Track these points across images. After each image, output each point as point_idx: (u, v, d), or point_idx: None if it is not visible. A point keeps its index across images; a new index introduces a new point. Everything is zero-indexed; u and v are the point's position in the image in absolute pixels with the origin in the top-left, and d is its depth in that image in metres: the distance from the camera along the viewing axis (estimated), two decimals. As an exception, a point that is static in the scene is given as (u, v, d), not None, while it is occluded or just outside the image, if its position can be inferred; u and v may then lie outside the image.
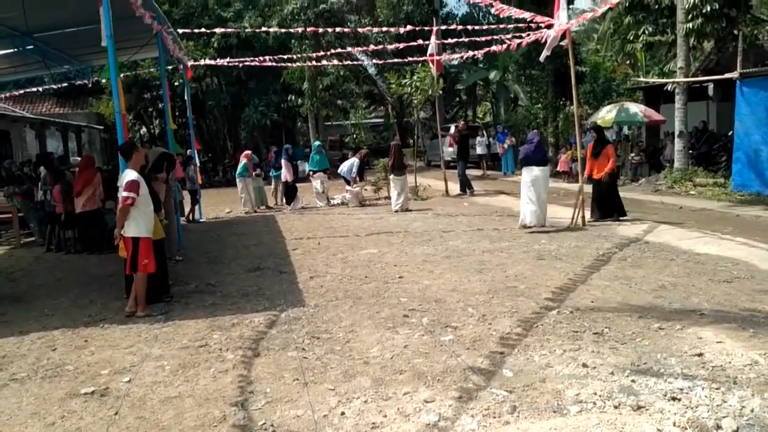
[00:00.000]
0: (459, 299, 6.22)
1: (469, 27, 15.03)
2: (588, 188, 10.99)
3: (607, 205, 10.90)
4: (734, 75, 13.74)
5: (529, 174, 10.44)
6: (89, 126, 27.18)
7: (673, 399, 3.72)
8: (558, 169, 20.90)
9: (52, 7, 8.84)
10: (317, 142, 17.72)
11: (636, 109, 19.16)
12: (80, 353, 5.12)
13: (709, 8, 14.20)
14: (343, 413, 3.75)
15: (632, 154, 19.26)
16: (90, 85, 20.61)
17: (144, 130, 30.88)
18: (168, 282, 7.01)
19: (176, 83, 23.17)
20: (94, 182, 10.06)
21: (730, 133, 15.89)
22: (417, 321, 5.56)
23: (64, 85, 19.88)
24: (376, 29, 19.54)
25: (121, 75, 14.92)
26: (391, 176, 14.33)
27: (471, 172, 18.46)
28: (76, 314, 6.39)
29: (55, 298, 7.18)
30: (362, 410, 3.79)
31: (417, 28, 15.17)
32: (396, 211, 13.79)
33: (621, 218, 10.81)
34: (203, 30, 15.43)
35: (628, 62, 29.40)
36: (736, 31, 15.11)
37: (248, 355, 4.87)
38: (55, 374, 4.67)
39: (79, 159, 14.54)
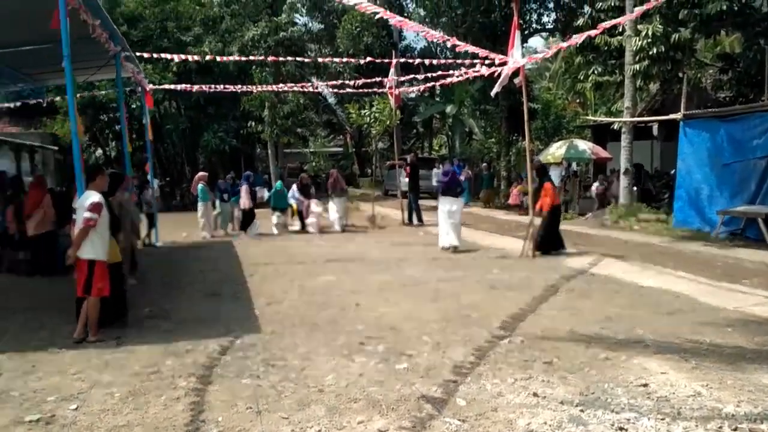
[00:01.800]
0: (414, 327, 6.30)
1: (427, 61, 15.38)
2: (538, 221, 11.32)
3: (545, 240, 11.08)
4: (678, 116, 14.22)
5: (445, 204, 11.48)
6: (43, 146, 26.51)
7: (621, 429, 3.82)
8: (509, 202, 21.38)
9: (5, 25, 8.67)
10: (279, 183, 17.48)
11: (584, 146, 19.82)
12: (27, 379, 5.00)
13: (655, 51, 14.89)
14: (297, 441, 3.77)
15: (596, 184, 19.72)
16: (45, 105, 20.16)
17: (100, 151, 30.26)
18: (125, 306, 6.91)
19: (133, 106, 22.85)
20: (43, 204, 9.84)
21: (672, 172, 16.51)
22: (373, 349, 5.61)
23: (18, 104, 19.38)
24: (336, 59, 19.76)
25: (77, 95, 14.70)
26: (332, 199, 16.02)
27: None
28: (25, 338, 6.22)
29: (4, 321, 6.96)
30: (317, 438, 3.80)
31: (377, 60, 15.46)
32: (342, 230, 15.58)
33: (561, 250, 11.13)
34: (163, 55, 15.42)
35: (578, 101, 30.46)
36: (681, 74, 15.79)
37: (201, 383, 4.81)
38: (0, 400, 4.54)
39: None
